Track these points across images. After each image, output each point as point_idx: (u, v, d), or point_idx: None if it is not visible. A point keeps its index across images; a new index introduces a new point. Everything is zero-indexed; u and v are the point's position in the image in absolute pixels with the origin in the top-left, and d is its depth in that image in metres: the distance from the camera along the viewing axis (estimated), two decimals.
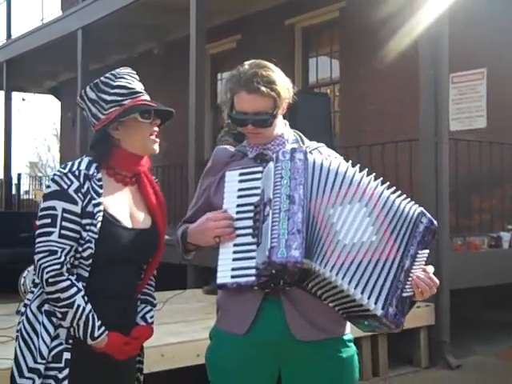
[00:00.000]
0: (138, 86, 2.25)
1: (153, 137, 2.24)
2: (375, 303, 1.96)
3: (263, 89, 2.15)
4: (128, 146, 2.22)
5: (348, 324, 2.23)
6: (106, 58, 12.72)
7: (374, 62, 8.74)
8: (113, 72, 2.24)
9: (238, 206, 2.13)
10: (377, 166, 7.46)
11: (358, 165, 2.12)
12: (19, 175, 16.95)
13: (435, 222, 2.10)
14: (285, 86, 2.22)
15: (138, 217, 2.25)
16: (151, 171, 2.37)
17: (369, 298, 1.96)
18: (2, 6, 14.52)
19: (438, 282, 2.09)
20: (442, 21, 5.99)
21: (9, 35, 13.86)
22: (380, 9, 8.17)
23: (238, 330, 2.16)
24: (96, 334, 2.10)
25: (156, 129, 2.25)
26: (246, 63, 2.24)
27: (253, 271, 2.03)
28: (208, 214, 2.16)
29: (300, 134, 2.37)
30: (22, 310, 2.19)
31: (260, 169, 2.14)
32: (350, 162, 2.13)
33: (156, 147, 2.26)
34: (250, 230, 2.08)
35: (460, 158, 6.83)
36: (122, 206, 2.22)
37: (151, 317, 2.35)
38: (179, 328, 4.96)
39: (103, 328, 2.12)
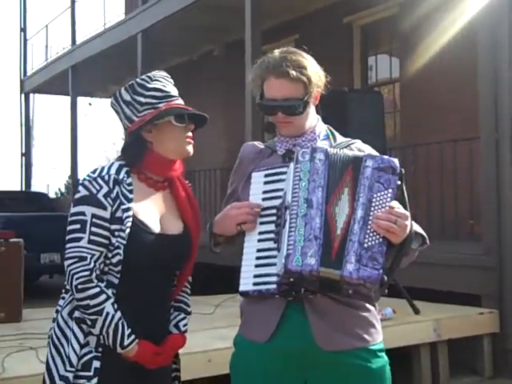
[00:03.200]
0: (173, 90, 2.21)
1: (187, 139, 2.19)
2: (335, 269, 1.87)
3: (293, 72, 2.05)
4: (161, 149, 2.17)
5: (380, 332, 2.11)
6: (166, 61, 12.83)
7: (433, 57, 8.47)
8: (148, 74, 2.21)
9: (263, 209, 2.05)
10: (434, 164, 7.17)
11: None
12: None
13: (387, 159, 1.96)
14: (317, 73, 2.12)
15: (168, 222, 2.19)
16: (185, 176, 2.30)
17: (335, 268, 1.88)
18: (67, 12, 14.84)
19: (404, 212, 1.93)
20: (501, 6, 5.71)
21: (73, 41, 14.17)
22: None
23: (260, 339, 2.08)
24: (126, 343, 2.05)
25: (190, 134, 2.20)
26: (276, 50, 2.16)
27: (274, 278, 1.96)
28: (234, 203, 2.11)
29: (332, 129, 2.26)
30: (54, 315, 2.17)
31: (285, 169, 2.05)
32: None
33: (190, 148, 2.20)
34: (273, 235, 2.00)
35: None
36: (153, 211, 2.16)
37: (184, 325, 2.27)
38: (230, 333, 4.86)
39: (133, 336, 2.06)
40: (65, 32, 14.76)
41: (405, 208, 1.97)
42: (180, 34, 11.02)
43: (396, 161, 1.97)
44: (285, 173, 2.03)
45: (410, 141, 8.16)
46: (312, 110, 2.19)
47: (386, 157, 1.97)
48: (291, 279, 1.91)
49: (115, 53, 11.98)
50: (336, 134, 2.24)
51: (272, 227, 2.01)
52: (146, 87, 2.16)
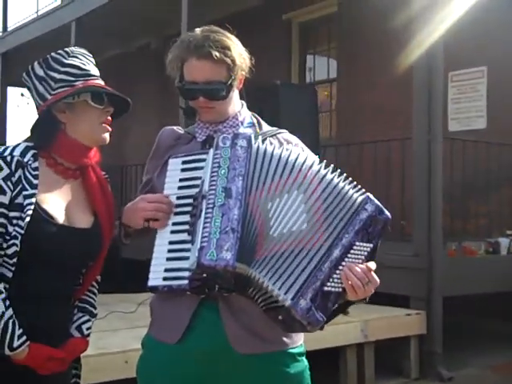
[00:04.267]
0: (93, 70, 2.00)
1: (104, 125, 1.99)
2: (285, 293, 1.70)
3: (216, 53, 1.89)
4: (75, 132, 1.95)
5: (300, 335, 1.97)
6: (102, 52, 12.51)
7: (372, 58, 8.49)
8: (66, 49, 1.99)
9: (178, 198, 1.89)
10: (368, 164, 7.21)
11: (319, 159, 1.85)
12: None
13: (386, 212, 1.82)
14: (241, 54, 1.97)
15: (77, 214, 1.98)
16: (101, 166, 2.10)
17: (280, 287, 1.71)
18: None
19: (377, 280, 1.78)
20: (438, 17, 5.75)
21: (5, 28, 13.65)
22: (377, 3, 7.93)
23: (170, 339, 1.91)
24: (15, 344, 1.83)
25: (109, 117, 2.00)
26: (197, 29, 1.99)
27: (186, 274, 1.79)
28: (147, 194, 1.94)
29: (258, 117, 2.11)
30: None
31: (205, 156, 1.89)
32: (305, 151, 1.87)
33: (106, 136, 2.00)
34: (187, 226, 1.84)
35: (456, 159, 6.61)
36: (59, 201, 1.95)
37: (88, 328, 2.07)
38: None
39: (24, 338, 1.84)
40: None
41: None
42: (116, 24, 10.73)
43: (390, 217, 1.82)
44: (204, 160, 1.88)
45: (345, 140, 8.13)
46: (236, 94, 2.04)
47: (384, 209, 1.82)
48: (204, 275, 1.75)
49: (49, 41, 11.57)
50: (262, 122, 2.10)
51: (187, 218, 1.85)
52: (62, 63, 1.95)
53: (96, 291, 2.15)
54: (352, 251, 1.76)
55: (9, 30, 13.46)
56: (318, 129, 5.21)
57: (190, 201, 1.86)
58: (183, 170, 1.92)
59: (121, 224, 2.01)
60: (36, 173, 1.90)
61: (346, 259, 1.75)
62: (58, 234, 1.90)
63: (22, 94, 19.09)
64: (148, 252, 1.96)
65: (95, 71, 2.01)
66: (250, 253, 1.73)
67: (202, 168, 1.86)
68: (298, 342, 1.96)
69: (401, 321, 5.62)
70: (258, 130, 2.03)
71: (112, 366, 4.02)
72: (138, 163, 10.87)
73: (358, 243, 1.77)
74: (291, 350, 1.93)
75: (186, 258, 1.79)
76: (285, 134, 2.07)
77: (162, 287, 1.84)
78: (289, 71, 9.65)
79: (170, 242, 1.86)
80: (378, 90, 8.56)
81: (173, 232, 1.87)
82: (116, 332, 4.66)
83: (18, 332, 1.83)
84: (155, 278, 1.85)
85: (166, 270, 1.84)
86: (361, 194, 1.82)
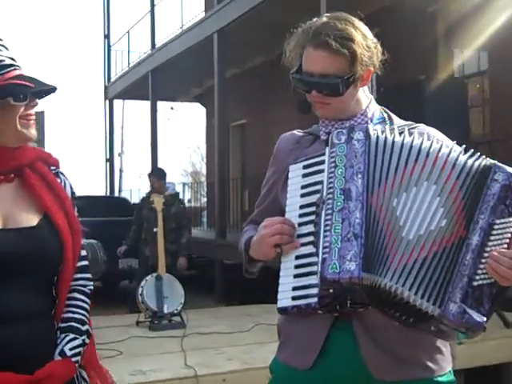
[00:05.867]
0: (8, 57, 1.71)
1: (28, 121, 1.73)
2: (427, 300, 1.51)
3: (333, 43, 1.68)
4: None
5: (448, 359, 1.72)
6: (244, 62, 12.65)
7: None
8: None
9: (301, 207, 1.70)
10: None
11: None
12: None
13: None
14: (369, 47, 1.74)
15: (17, 216, 1.72)
16: (50, 160, 1.85)
17: (422, 295, 1.52)
18: (147, 17, 14.90)
19: None
20: None
21: (153, 45, 14.20)
22: None
23: (301, 365, 1.73)
24: None
25: (32, 111, 1.74)
26: (325, 14, 1.79)
27: (314, 290, 1.60)
28: (267, 219, 1.74)
29: (389, 111, 1.87)
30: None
31: (323, 158, 1.68)
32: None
33: (33, 132, 1.75)
34: (312, 238, 1.64)
35: None
36: None
37: (72, 348, 1.73)
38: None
39: None
40: (145, 36, 14.83)
41: None
42: (256, 33, 10.76)
43: None
44: (324, 162, 1.67)
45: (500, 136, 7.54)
46: (360, 91, 1.81)
47: None
48: (331, 290, 1.56)
49: (193, 55, 11.88)
50: (393, 116, 1.86)
51: (312, 228, 1.65)
52: None
53: (84, 304, 1.83)
54: (494, 232, 1.53)
55: (157, 46, 13.97)
56: (469, 125, 4.80)
57: (313, 209, 1.66)
58: (304, 175, 1.72)
59: (246, 256, 1.84)
60: None
61: (490, 243, 1.53)
62: None
63: (172, 108, 19.86)
64: None
65: (11, 58, 1.71)
66: (380, 260, 1.53)
67: (323, 171, 1.67)
68: (447, 369, 1.72)
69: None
70: (389, 126, 1.79)
71: (256, 382, 3.90)
72: None
73: (498, 221, 1.53)
74: (439, 378, 1.70)
75: (315, 273, 1.60)
76: (421, 128, 1.81)
77: (292, 307, 1.67)
78: (435, 65, 9.18)
79: (297, 257, 1.68)
80: None
81: (300, 245, 1.68)
82: (262, 346, 4.55)
83: None
84: (284, 298, 1.68)
85: (295, 289, 1.66)
86: (488, 165, 1.56)
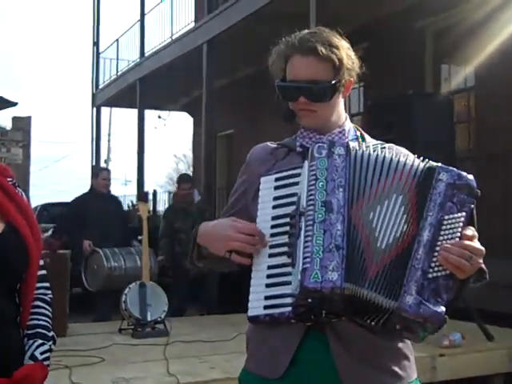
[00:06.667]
0: None
1: None
2: (386, 296, 1.57)
3: (322, 49, 1.73)
4: None
5: (414, 367, 1.79)
6: (233, 73, 12.69)
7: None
8: None
9: (274, 218, 1.72)
10: None
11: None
12: (154, 192, 17.37)
13: (465, 175, 1.63)
14: (350, 57, 1.80)
15: None
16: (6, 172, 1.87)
17: (380, 293, 1.58)
18: (136, 25, 14.93)
19: (480, 248, 1.61)
20: None
21: (142, 54, 14.22)
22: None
23: (271, 374, 1.73)
24: None
25: None
26: (306, 30, 1.85)
27: (288, 300, 1.62)
28: (238, 220, 1.75)
29: (360, 129, 1.92)
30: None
31: (299, 171, 1.71)
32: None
33: None
34: (286, 248, 1.66)
35: None
36: None
37: (42, 352, 1.78)
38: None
39: None
40: (134, 45, 14.84)
41: None
42: (246, 44, 10.80)
43: (473, 179, 1.64)
44: (299, 175, 1.71)
45: (485, 151, 7.62)
46: (341, 102, 1.86)
47: (463, 173, 1.65)
48: (309, 299, 1.58)
49: (182, 64, 11.90)
50: (365, 134, 1.92)
51: (285, 239, 1.68)
52: None
53: (47, 312, 1.87)
54: (443, 227, 1.60)
55: (146, 55, 13.99)
56: (454, 140, 4.86)
57: (287, 220, 1.69)
58: (277, 187, 1.75)
59: (195, 244, 1.84)
60: None
61: (441, 237, 1.59)
62: None
63: (159, 116, 19.82)
64: None
65: None
66: (360, 271, 1.57)
67: (297, 183, 1.70)
68: (413, 376, 1.77)
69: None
70: (362, 143, 1.83)
71: None
72: None
73: (446, 217, 1.60)
74: None
75: (288, 283, 1.64)
76: (391, 146, 1.86)
77: (264, 316, 1.68)
78: (423, 81, 9.26)
79: (269, 267, 1.70)
80: None
81: (271, 255, 1.71)
82: (245, 355, 4.52)
83: None
84: (255, 307, 1.69)
85: (267, 298, 1.68)
86: (432, 166, 1.66)
